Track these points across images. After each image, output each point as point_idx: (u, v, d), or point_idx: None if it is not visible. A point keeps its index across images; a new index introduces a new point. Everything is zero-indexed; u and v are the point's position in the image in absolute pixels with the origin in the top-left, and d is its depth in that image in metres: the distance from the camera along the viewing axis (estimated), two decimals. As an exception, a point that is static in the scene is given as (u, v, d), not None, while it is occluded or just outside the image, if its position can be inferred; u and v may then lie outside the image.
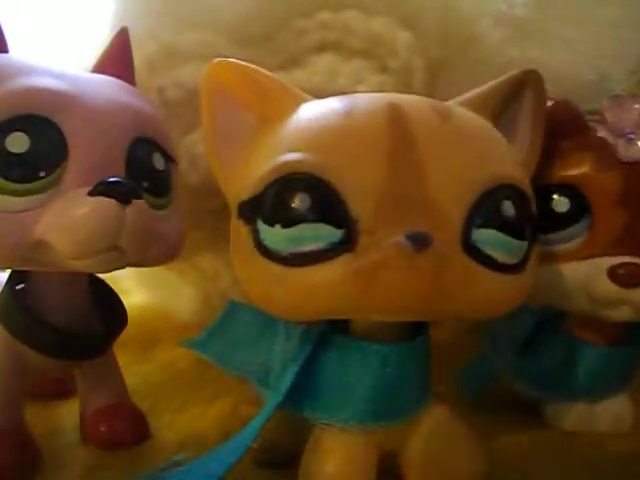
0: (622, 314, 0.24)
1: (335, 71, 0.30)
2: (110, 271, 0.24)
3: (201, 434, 0.28)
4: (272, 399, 0.21)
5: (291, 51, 0.32)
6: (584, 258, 0.24)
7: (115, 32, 0.28)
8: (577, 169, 0.24)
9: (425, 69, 0.30)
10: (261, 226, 0.19)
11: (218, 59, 0.22)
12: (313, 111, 0.20)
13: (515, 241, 0.19)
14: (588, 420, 0.28)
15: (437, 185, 0.18)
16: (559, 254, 0.24)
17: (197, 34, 0.32)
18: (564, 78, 0.27)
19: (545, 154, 0.23)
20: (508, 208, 0.19)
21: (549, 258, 0.24)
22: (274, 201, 0.18)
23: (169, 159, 0.26)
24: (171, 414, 0.31)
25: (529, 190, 0.20)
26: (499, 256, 0.19)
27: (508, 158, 0.20)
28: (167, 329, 0.42)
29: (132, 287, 0.45)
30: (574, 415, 0.28)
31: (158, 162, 0.25)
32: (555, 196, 0.24)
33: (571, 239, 0.24)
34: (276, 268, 0.18)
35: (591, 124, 0.25)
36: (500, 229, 0.19)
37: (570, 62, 0.29)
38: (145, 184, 0.24)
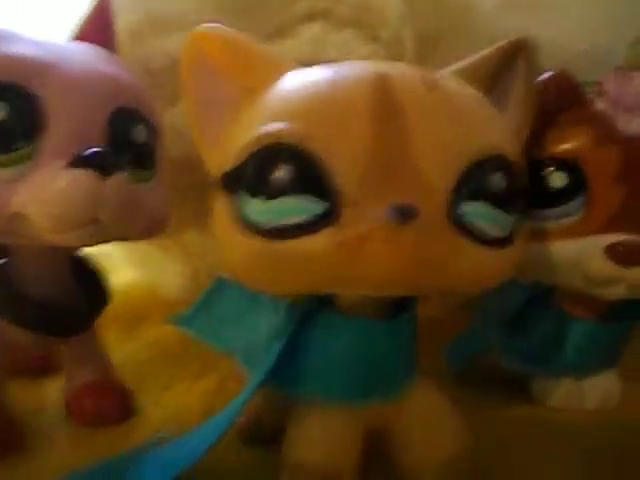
0: (617, 292, 0.24)
1: (324, 41, 0.29)
2: (92, 245, 0.23)
3: (187, 411, 0.28)
4: (255, 376, 0.21)
5: (280, 20, 0.31)
6: (580, 235, 0.23)
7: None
8: (574, 143, 0.23)
9: (417, 39, 0.30)
10: (243, 198, 0.18)
11: (200, 26, 0.21)
12: (298, 80, 0.19)
13: (503, 214, 0.18)
14: (576, 397, 0.27)
15: (423, 155, 0.17)
16: (555, 230, 0.24)
17: (182, 2, 0.31)
18: (559, 48, 0.27)
19: (542, 127, 0.23)
20: (497, 180, 0.18)
21: (544, 234, 0.24)
22: (256, 172, 0.18)
23: (153, 130, 0.25)
24: (157, 391, 0.30)
25: (520, 162, 0.20)
26: (487, 229, 0.18)
27: (498, 129, 0.20)
28: (155, 306, 0.41)
29: (120, 264, 0.44)
30: (562, 391, 0.28)
31: (141, 133, 0.24)
32: (551, 171, 0.24)
33: (567, 215, 0.24)
34: (258, 241, 0.18)
35: (589, 96, 0.24)
36: (488, 201, 0.18)
37: (565, 31, 0.28)
38: (127, 156, 0.23)
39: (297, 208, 0.17)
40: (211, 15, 0.31)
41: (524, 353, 0.27)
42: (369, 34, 0.30)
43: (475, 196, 0.18)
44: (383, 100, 0.18)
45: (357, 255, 0.17)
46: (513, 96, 0.22)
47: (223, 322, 0.25)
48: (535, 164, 0.23)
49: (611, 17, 0.27)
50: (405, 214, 0.16)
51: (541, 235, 0.24)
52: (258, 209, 0.18)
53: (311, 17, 0.31)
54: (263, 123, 0.18)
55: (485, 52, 0.22)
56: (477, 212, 0.18)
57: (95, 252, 0.42)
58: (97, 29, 0.26)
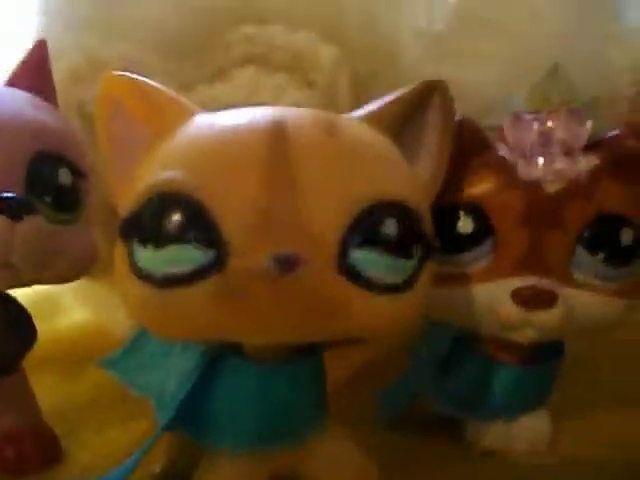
0: (527, 335, 0.24)
1: (257, 85, 0.30)
2: (4, 289, 0.23)
3: (115, 456, 0.27)
4: (161, 421, 0.21)
5: (217, 65, 0.32)
6: (491, 280, 0.23)
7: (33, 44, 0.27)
8: (479, 188, 0.24)
9: (350, 84, 0.30)
10: (135, 246, 0.18)
11: (113, 72, 0.21)
12: (196, 127, 0.19)
13: (399, 260, 0.18)
14: (506, 439, 0.27)
15: (313, 205, 0.17)
16: (468, 275, 0.24)
17: (123, 47, 0.31)
18: (475, 94, 0.27)
19: (451, 172, 0.23)
20: (390, 227, 0.18)
21: (459, 279, 0.24)
22: (147, 221, 0.18)
23: (79, 174, 0.25)
24: (88, 435, 0.30)
25: (419, 207, 0.19)
26: (379, 276, 0.18)
27: (398, 174, 0.20)
28: (103, 347, 0.41)
29: (71, 304, 0.44)
30: (492, 434, 0.27)
31: (64, 177, 0.24)
32: (460, 216, 0.24)
33: (477, 260, 0.24)
34: (149, 289, 0.18)
35: (494, 142, 0.24)
36: (381, 249, 0.18)
37: (482, 78, 0.29)
38: (47, 199, 0.24)
39: (185, 257, 0.17)
40: (152, 59, 0.31)
41: (454, 397, 0.27)
42: (303, 79, 0.31)
43: (366, 244, 0.18)
44: (276, 149, 0.18)
45: (241, 305, 0.17)
46: (427, 137, 0.22)
47: (145, 366, 0.25)
48: (446, 209, 0.23)
49: (530, 62, 0.28)
50: (287, 263, 0.16)
51: (458, 280, 0.24)
52: (149, 257, 0.18)
53: (246, 62, 0.31)
54: (160, 170, 0.18)
55: (397, 93, 0.21)
56: (368, 260, 0.18)
57: (46, 292, 0.42)
58: (31, 74, 0.27)
